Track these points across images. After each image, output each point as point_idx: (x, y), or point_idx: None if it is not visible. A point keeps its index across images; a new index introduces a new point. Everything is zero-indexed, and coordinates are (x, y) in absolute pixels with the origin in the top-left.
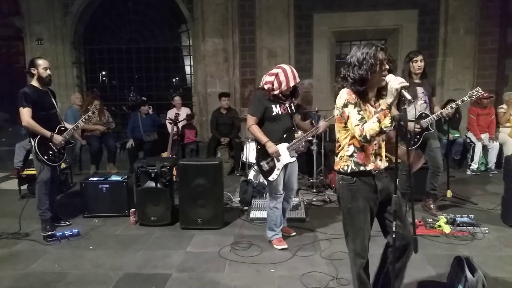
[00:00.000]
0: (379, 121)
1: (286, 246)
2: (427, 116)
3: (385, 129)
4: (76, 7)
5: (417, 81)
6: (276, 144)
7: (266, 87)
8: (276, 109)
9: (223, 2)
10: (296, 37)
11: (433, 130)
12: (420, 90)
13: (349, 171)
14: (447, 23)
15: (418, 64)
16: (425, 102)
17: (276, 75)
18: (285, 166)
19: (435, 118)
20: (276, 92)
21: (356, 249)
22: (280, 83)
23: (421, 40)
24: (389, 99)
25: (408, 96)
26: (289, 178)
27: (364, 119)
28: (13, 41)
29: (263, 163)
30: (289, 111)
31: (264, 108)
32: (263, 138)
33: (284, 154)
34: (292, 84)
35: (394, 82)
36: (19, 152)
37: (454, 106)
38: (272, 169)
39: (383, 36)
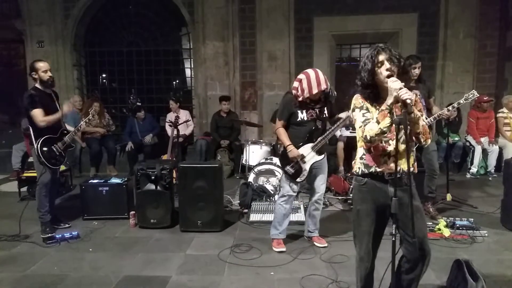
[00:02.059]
0: (378, 122)
1: (284, 249)
2: (425, 118)
3: (384, 129)
4: (77, 9)
5: (412, 84)
6: (300, 146)
7: (293, 92)
8: (302, 115)
9: (223, 6)
10: (296, 40)
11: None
12: (416, 93)
13: (360, 172)
14: (447, 27)
15: (415, 72)
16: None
17: (300, 81)
18: (312, 167)
19: (432, 120)
20: (300, 98)
21: (360, 252)
22: (302, 90)
23: (421, 43)
24: (389, 100)
25: (408, 100)
26: (313, 181)
27: (368, 120)
28: (14, 43)
29: (288, 168)
30: (318, 116)
31: (289, 113)
32: (286, 142)
33: (310, 154)
34: (315, 91)
35: (394, 84)
36: (16, 153)
37: (450, 108)
38: (298, 172)
39: (383, 40)
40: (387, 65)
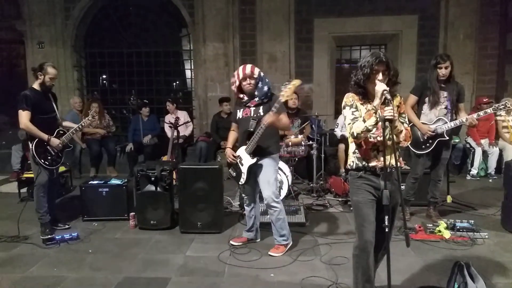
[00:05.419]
0: (364, 121)
1: (234, 243)
2: (444, 122)
3: (370, 127)
4: (77, 11)
5: (442, 85)
6: (238, 147)
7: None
8: (239, 114)
9: (224, 7)
10: (297, 42)
11: (447, 138)
12: (443, 94)
13: (354, 166)
14: (447, 29)
15: (442, 72)
16: (446, 107)
17: (233, 76)
18: (250, 171)
19: (453, 125)
20: (236, 91)
21: (360, 244)
22: (234, 83)
23: (421, 45)
24: (375, 102)
25: (388, 96)
26: (257, 187)
27: (356, 118)
28: (14, 44)
29: (230, 170)
30: (252, 115)
31: (235, 113)
32: (227, 144)
33: (245, 157)
34: (241, 76)
35: (379, 86)
36: (16, 154)
37: (475, 116)
38: (239, 175)
39: (383, 42)
40: (380, 76)
